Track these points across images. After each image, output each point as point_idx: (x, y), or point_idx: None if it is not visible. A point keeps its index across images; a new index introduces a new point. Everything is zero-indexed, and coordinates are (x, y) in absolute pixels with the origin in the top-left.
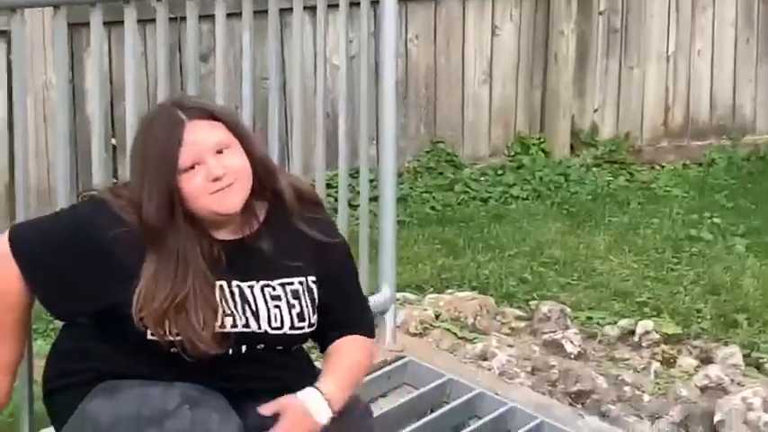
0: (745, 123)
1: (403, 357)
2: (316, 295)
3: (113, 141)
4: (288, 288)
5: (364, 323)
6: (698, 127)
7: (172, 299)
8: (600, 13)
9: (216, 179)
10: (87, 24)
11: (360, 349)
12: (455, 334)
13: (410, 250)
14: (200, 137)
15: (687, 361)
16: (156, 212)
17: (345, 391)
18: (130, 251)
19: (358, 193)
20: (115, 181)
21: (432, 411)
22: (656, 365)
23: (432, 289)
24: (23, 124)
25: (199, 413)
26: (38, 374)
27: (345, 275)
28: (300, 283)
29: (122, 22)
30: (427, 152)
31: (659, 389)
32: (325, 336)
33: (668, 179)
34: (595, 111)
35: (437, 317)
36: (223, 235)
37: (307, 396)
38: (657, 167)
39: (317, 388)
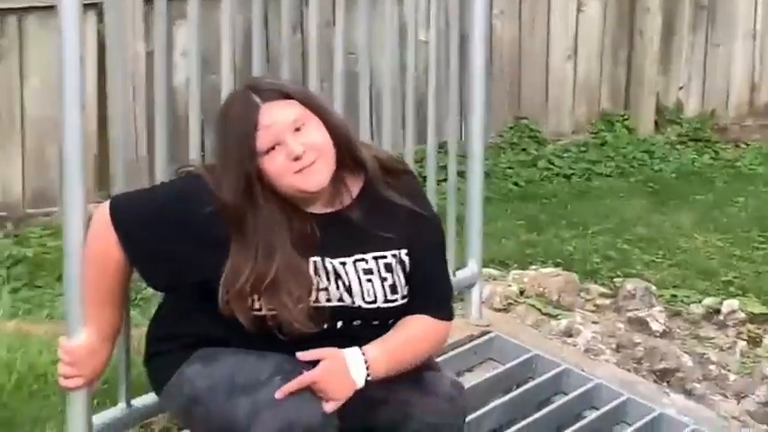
0: None
1: (489, 332)
2: (408, 267)
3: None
4: (381, 261)
5: (442, 305)
6: None
7: (255, 280)
8: None
9: (297, 158)
10: None
11: (428, 329)
12: (539, 310)
13: (493, 226)
14: (276, 117)
15: None
16: (234, 196)
17: (393, 362)
18: (225, 229)
19: (444, 168)
20: (203, 154)
21: (517, 387)
22: (741, 345)
23: (515, 265)
24: (122, 93)
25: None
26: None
27: (433, 252)
28: (393, 255)
29: None
30: (510, 128)
31: (745, 368)
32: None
33: (753, 157)
34: (680, 88)
35: (521, 293)
36: (316, 209)
37: (348, 353)
38: (743, 146)
39: (360, 349)
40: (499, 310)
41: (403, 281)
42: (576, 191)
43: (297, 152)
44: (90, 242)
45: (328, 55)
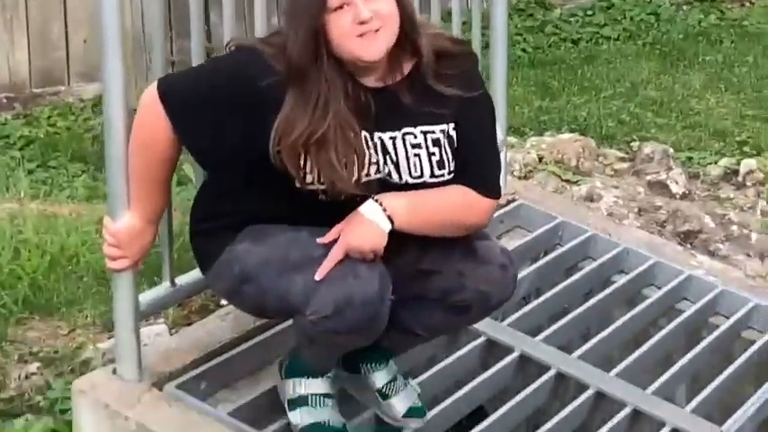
0: None
1: (514, 200)
2: (455, 142)
3: None
4: (429, 136)
5: (489, 181)
6: None
7: (309, 134)
8: None
9: (362, 22)
10: None
11: (468, 198)
12: (559, 176)
13: None
14: None
15: None
16: (300, 50)
17: (414, 211)
18: (281, 101)
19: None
20: (206, 28)
21: (545, 254)
22: (762, 204)
23: (531, 132)
24: None
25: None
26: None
27: (481, 130)
28: (442, 131)
29: None
30: None
31: (766, 227)
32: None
33: (760, 16)
34: None
35: (540, 159)
36: (368, 82)
37: (362, 207)
38: (748, 4)
39: (373, 198)
40: (520, 178)
41: (450, 156)
42: (584, 55)
43: (364, 16)
44: (138, 123)
45: None
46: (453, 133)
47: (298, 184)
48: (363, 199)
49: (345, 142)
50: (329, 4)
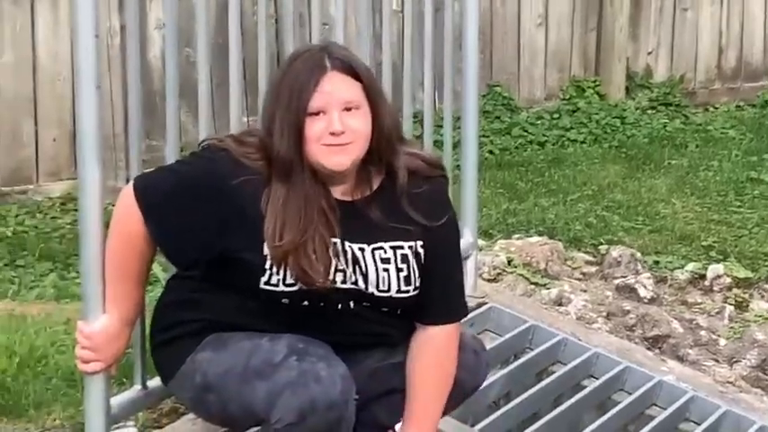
0: None
1: (485, 303)
2: (423, 260)
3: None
4: (398, 252)
5: (454, 311)
6: (751, 69)
7: (300, 234)
8: None
9: (333, 133)
10: None
11: (447, 349)
12: (528, 279)
13: None
14: (335, 88)
15: (760, 305)
16: (287, 145)
17: (436, 419)
18: (254, 197)
19: (418, 137)
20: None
21: (515, 358)
22: (729, 309)
23: (499, 234)
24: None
25: (306, 363)
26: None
27: (447, 256)
28: (410, 247)
29: None
30: (483, 96)
31: (735, 333)
32: (416, 311)
33: (724, 121)
34: (649, 53)
35: (509, 262)
36: (335, 192)
37: None
38: (712, 109)
39: None
40: (489, 281)
41: (417, 273)
42: (551, 158)
43: (336, 128)
44: (115, 222)
45: (302, 25)
46: (421, 251)
47: (264, 284)
48: (325, 304)
49: (323, 248)
50: (309, 108)
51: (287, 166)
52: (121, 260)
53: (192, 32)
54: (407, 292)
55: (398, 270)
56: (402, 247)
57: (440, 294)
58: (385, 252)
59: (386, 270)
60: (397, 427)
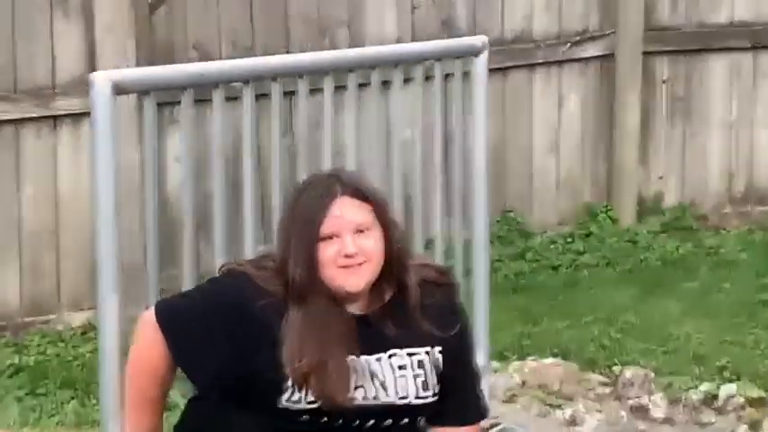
0: None
1: (499, 425)
2: (441, 365)
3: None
4: (414, 358)
5: (476, 410)
6: (761, 192)
7: (317, 359)
8: (663, 82)
9: (347, 255)
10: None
11: None
12: (542, 401)
13: None
14: (346, 212)
15: None
16: (302, 270)
17: None
18: (275, 320)
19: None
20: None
21: None
22: (743, 429)
23: (514, 356)
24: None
25: None
26: None
27: (463, 359)
28: (426, 353)
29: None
30: (497, 221)
31: None
32: (437, 419)
33: (735, 244)
34: (660, 178)
35: (523, 383)
36: (350, 309)
37: None
38: (723, 232)
39: None
40: (503, 402)
41: (435, 379)
42: (564, 281)
43: (349, 251)
44: (136, 348)
45: (317, 155)
46: (439, 356)
47: (285, 402)
48: (343, 421)
49: (341, 366)
50: (321, 234)
51: (303, 290)
52: (141, 385)
53: (209, 162)
54: (426, 397)
55: (415, 376)
56: (418, 354)
57: (462, 398)
58: (401, 359)
59: (403, 376)
60: None
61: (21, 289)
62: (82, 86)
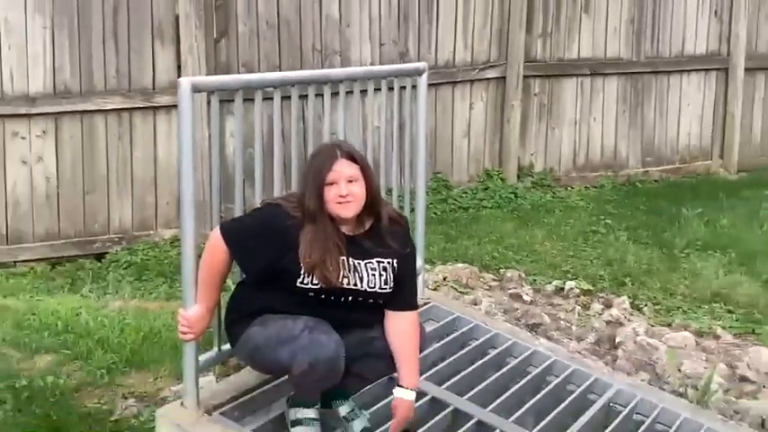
0: (621, 162)
1: (428, 303)
2: (396, 270)
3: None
4: (381, 264)
5: (413, 301)
6: (594, 164)
7: (320, 258)
8: (535, 95)
9: (342, 196)
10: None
11: (414, 327)
12: (456, 289)
13: None
14: (342, 168)
15: (596, 306)
16: (313, 203)
17: (417, 371)
18: (296, 233)
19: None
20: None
21: (447, 336)
22: (578, 309)
23: (438, 262)
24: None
25: (314, 335)
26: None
27: (410, 270)
28: (388, 262)
29: (250, 99)
30: (431, 179)
31: (581, 323)
32: (390, 303)
33: (577, 196)
34: (532, 154)
35: (444, 279)
36: (344, 230)
37: (404, 395)
38: (569, 189)
39: (408, 388)
40: (432, 290)
41: (392, 278)
42: (471, 217)
43: (343, 193)
44: (206, 252)
45: (319, 135)
46: (396, 266)
47: (300, 284)
48: (334, 297)
49: (336, 262)
50: (326, 181)
51: (313, 214)
52: (209, 274)
53: (253, 138)
54: (385, 289)
55: (380, 275)
56: (383, 262)
57: (406, 293)
58: (373, 264)
59: (373, 275)
60: (396, 383)
61: (132, 214)
62: (172, 88)
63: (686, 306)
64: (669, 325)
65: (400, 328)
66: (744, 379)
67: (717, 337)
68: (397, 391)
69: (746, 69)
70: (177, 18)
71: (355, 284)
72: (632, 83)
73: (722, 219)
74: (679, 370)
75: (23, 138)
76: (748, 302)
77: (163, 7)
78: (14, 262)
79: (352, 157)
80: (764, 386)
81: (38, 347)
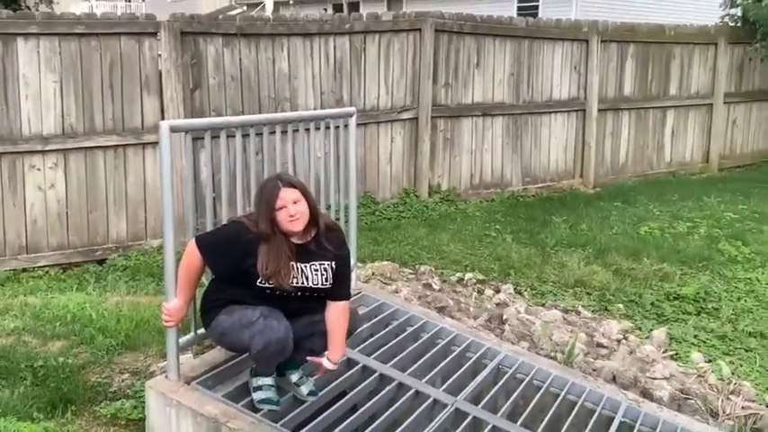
0: (506, 181)
1: (359, 292)
2: (334, 270)
3: (213, 195)
4: (322, 266)
5: (347, 294)
6: (486, 183)
7: (275, 268)
8: (441, 131)
9: (291, 215)
10: (199, 138)
11: (344, 310)
12: (381, 282)
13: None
14: (286, 194)
15: (489, 292)
16: (264, 225)
17: (343, 348)
18: (255, 245)
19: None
20: (215, 220)
21: (375, 317)
22: (475, 294)
23: (368, 261)
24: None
25: (268, 321)
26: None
27: (345, 269)
28: (328, 264)
29: (217, 137)
30: (362, 196)
31: (477, 305)
32: (329, 294)
33: (473, 208)
34: (439, 177)
35: (372, 274)
36: (294, 239)
37: (327, 365)
38: (468, 202)
39: (331, 361)
40: (363, 282)
41: (331, 277)
42: (393, 226)
43: (292, 213)
44: (185, 256)
45: (273, 164)
46: (334, 266)
47: (258, 284)
48: (286, 294)
49: (288, 269)
50: (276, 207)
51: (266, 235)
52: (186, 275)
53: (221, 167)
54: (326, 285)
55: (322, 275)
56: (324, 264)
57: (341, 287)
58: (316, 266)
59: (317, 274)
60: (326, 354)
61: (127, 228)
62: (156, 128)
63: (555, 290)
64: (543, 305)
65: (333, 313)
66: (599, 345)
67: (578, 314)
68: (324, 362)
69: (599, 110)
70: (161, 74)
71: (302, 283)
72: (514, 121)
73: (582, 223)
74: (550, 339)
75: (39, 169)
76: (602, 287)
77: (149, 65)
78: (33, 267)
79: (292, 184)
80: (614, 350)
81: (51, 335)
